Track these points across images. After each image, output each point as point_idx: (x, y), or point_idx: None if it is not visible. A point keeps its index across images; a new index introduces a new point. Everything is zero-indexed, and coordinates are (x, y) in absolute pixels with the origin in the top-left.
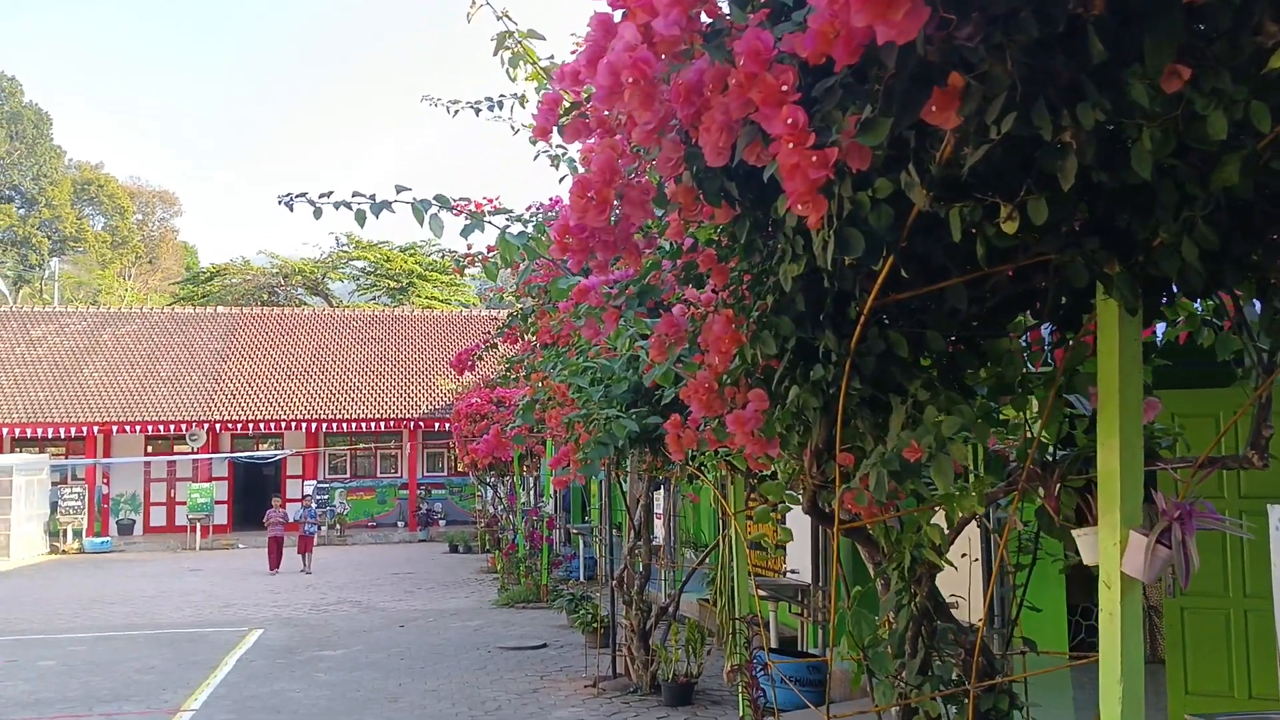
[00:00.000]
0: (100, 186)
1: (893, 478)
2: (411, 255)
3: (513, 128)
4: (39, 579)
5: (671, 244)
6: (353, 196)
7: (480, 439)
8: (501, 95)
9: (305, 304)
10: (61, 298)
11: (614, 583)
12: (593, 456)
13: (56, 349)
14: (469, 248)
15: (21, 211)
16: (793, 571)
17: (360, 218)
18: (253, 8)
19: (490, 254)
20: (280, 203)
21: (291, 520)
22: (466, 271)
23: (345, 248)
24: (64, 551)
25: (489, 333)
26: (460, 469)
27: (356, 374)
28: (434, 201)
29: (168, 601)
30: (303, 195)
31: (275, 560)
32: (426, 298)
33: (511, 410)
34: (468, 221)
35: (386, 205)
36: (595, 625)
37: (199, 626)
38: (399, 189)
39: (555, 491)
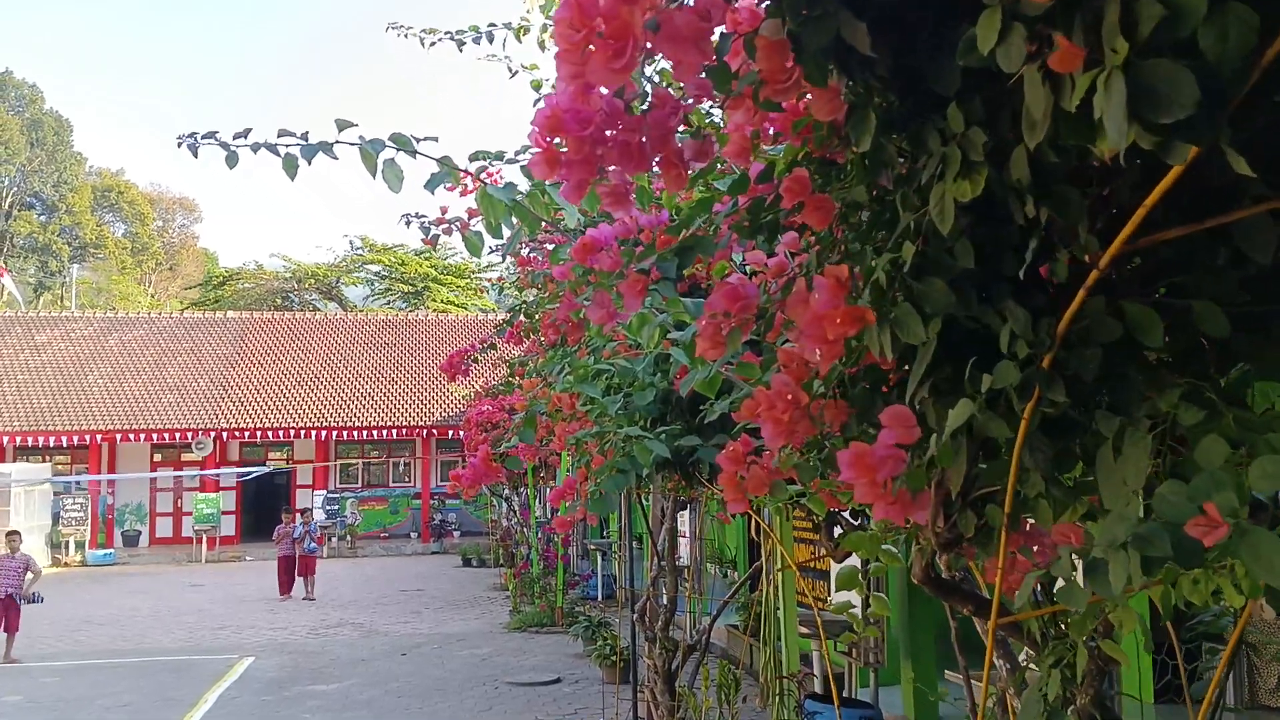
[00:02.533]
0: (120, 193)
1: (1148, 566)
2: (427, 259)
3: (509, 69)
4: None
5: (725, 177)
6: (279, 136)
7: (466, 462)
8: (491, 24)
9: (318, 309)
10: (79, 304)
11: (635, 616)
12: (608, 489)
13: (61, 354)
14: (443, 212)
15: (42, 218)
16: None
17: (290, 166)
18: (270, 10)
19: (472, 219)
20: (180, 145)
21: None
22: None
23: (360, 251)
24: (66, 564)
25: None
26: None
27: (369, 380)
28: (389, 143)
29: (159, 623)
30: (211, 135)
31: (286, 583)
32: (443, 302)
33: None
34: (435, 171)
35: (324, 148)
36: (614, 659)
37: (187, 653)
38: (341, 125)
39: None
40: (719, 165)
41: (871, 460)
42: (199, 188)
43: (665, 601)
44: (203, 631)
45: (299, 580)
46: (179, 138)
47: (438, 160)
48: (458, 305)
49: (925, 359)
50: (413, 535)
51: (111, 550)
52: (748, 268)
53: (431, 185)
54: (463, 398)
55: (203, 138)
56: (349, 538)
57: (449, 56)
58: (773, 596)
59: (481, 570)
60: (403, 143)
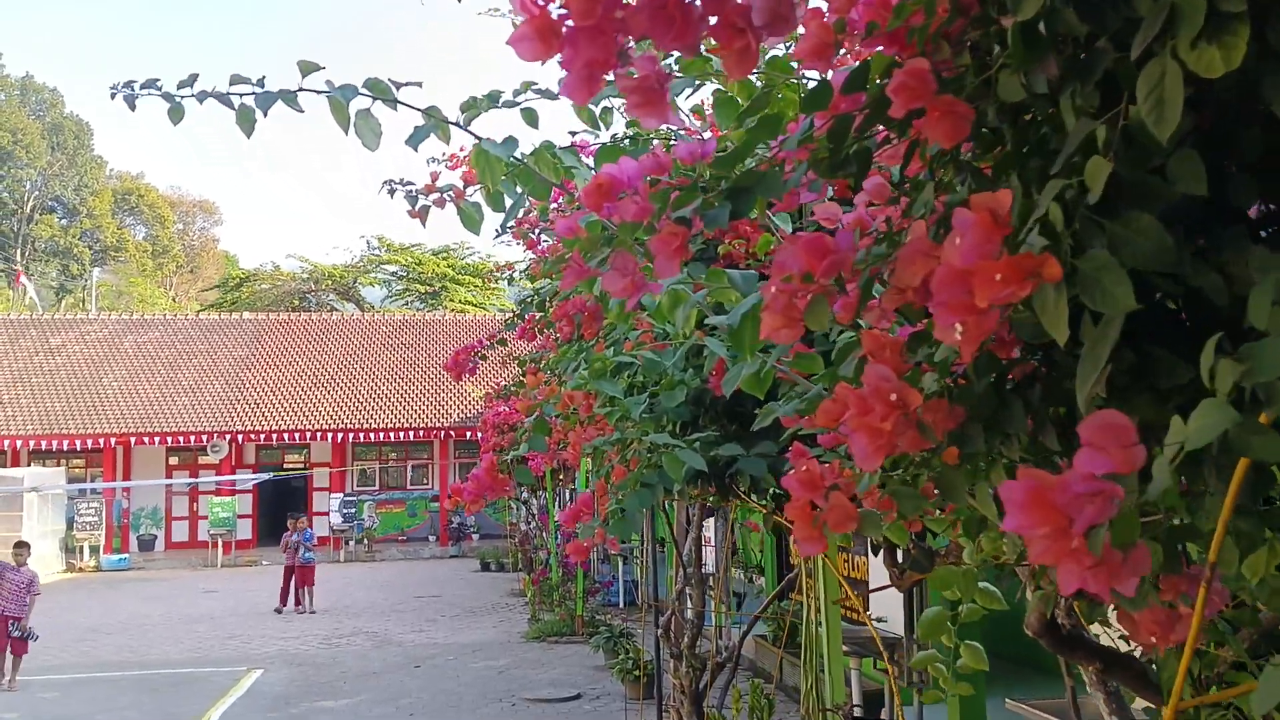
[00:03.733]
0: (140, 196)
1: None
2: (445, 259)
3: (514, 23)
4: (44, 603)
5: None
6: (231, 84)
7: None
8: None
9: (336, 310)
10: (99, 307)
11: (659, 631)
12: (630, 508)
13: (76, 357)
14: (433, 178)
15: (63, 222)
16: (879, 620)
17: (245, 119)
18: (270, 10)
19: (469, 188)
20: (114, 95)
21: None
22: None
23: (376, 251)
24: (80, 569)
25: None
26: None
27: (385, 381)
28: (363, 91)
29: (169, 631)
30: (151, 84)
31: (287, 594)
32: (460, 302)
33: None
34: (419, 125)
35: (284, 96)
36: (637, 674)
37: (194, 665)
38: (305, 68)
39: None
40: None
41: (1063, 499)
42: (220, 190)
43: (691, 616)
44: (212, 641)
45: (294, 591)
46: (113, 88)
47: (423, 111)
48: (476, 305)
49: (1108, 338)
50: (431, 539)
51: (126, 555)
52: (811, 227)
53: (414, 141)
54: (480, 398)
55: (141, 87)
56: (366, 541)
57: (449, 55)
58: (813, 619)
59: (500, 575)
60: (380, 90)
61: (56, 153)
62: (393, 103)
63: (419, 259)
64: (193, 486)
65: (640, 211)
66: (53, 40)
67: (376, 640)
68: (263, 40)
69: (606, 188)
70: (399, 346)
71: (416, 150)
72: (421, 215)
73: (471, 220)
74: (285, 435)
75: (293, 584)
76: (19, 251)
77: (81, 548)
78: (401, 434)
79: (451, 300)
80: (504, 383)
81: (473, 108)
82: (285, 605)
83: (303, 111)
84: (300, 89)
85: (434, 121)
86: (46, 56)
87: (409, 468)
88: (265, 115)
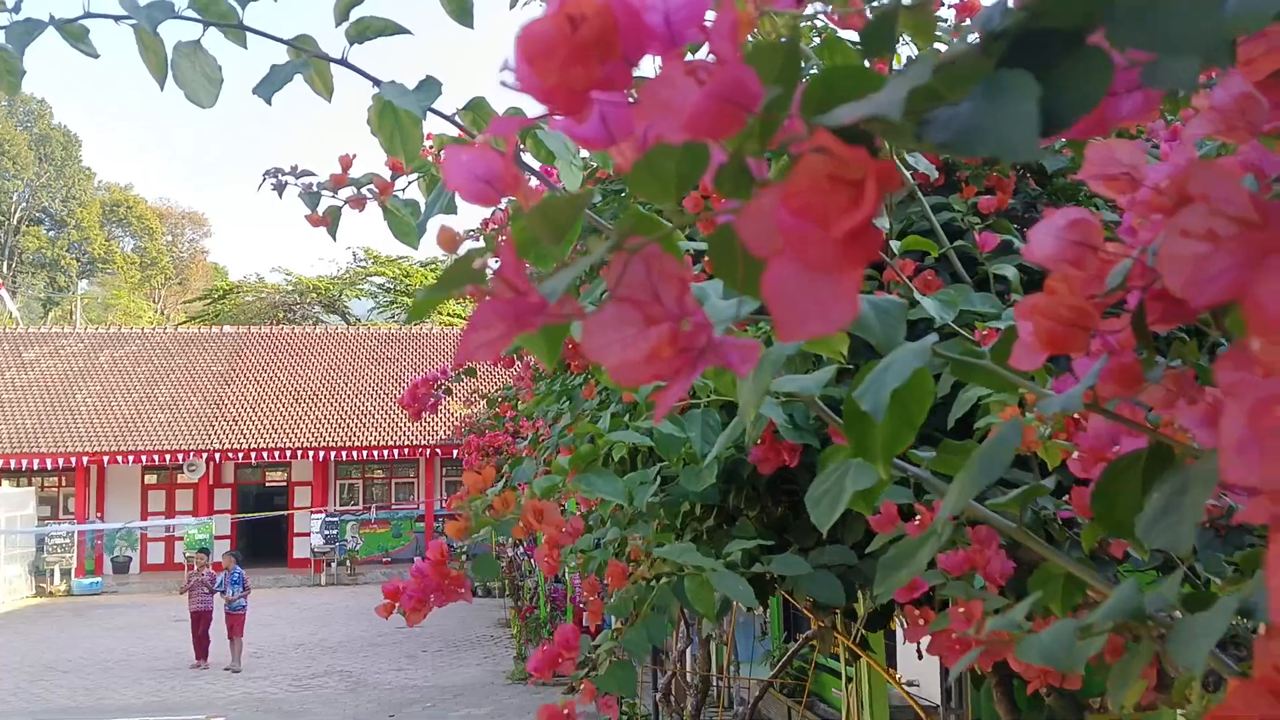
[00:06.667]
0: (129, 208)
1: None
2: (433, 270)
3: None
4: (4, 635)
5: None
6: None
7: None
8: None
9: (323, 322)
10: (85, 319)
11: (659, 694)
12: (635, 647)
13: (49, 372)
14: (345, 166)
15: (50, 234)
16: (911, 684)
17: (15, 40)
18: (272, 18)
19: (399, 179)
20: None
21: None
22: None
23: (363, 263)
24: (51, 594)
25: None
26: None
27: (370, 397)
28: (189, 14)
29: (129, 670)
30: None
31: (201, 646)
32: (449, 315)
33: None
34: (278, 64)
35: (60, 26)
36: None
37: (151, 712)
38: None
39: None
40: None
41: None
42: (209, 202)
43: (696, 681)
44: (174, 682)
45: (228, 643)
46: None
47: (289, 43)
48: (465, 319)
49: None
50: (416, 560)
51: (99, 579)
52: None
53: (266, 90)
54: (465, 416)
55: None
56: (349, 563)
57: (454, 60)
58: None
59: (487, 601)
60: (216, 13)
61: (44, 164)
62: (239, 30)
63: (407, 271)
64: (169, 505)
65: (719, 109)
66: (41, 51)
67: (351, 682)
68: (266, 38)
69: (593, 30)
70: (384, 361)
71: (270, 103)
72: (327, 221)
73: (404, 227)
74: (265, 453)
75: (207, 633)
76: (5, 264)
77: (52, 571)
78: (386, 452)
79: (440, 313)
80: (477, 414)
81: (366, 32)
82: (206, 660)
83: (97, 56)
84: (87, 14)
85: (301, 59)
86: (34, 67)
87: (394, 487)
88: (21, 54)
